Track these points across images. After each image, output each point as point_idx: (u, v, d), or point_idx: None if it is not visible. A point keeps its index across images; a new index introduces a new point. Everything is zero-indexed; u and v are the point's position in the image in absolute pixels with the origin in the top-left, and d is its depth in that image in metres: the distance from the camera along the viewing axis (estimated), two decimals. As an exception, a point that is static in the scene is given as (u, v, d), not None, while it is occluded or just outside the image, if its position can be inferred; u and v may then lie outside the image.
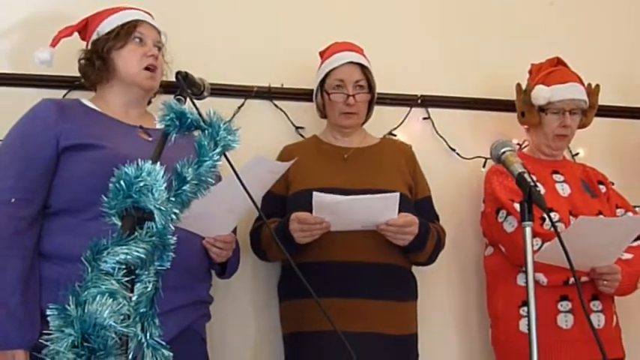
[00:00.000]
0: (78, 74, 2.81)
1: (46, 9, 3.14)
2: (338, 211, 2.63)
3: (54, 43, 2.75)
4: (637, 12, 3.80)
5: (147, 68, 2.61)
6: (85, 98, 2.66)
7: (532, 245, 2.14)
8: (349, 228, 2.72)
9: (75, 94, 2.95)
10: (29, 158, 2.36)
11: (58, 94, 2.95)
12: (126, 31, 2.63)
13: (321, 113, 3.14)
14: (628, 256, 2.97)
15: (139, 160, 1.50)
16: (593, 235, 2.71)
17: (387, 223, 2.69)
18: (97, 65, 2.63)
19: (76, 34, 2.77)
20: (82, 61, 2.70)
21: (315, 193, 2.61)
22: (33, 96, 2.68)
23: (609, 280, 2.88)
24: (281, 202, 2.91)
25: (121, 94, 2.64)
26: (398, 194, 2.64)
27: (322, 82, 3.05)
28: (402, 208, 2.70)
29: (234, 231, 2.68)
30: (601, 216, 3.03)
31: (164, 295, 1.53)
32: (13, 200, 2.30)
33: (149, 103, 2.79)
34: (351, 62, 3.00)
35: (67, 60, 2.77)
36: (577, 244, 2.60)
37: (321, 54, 3.12)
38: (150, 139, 2.54)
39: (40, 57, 2.75)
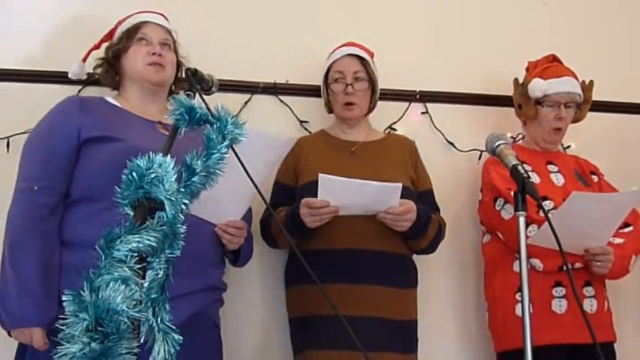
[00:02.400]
0: (92, 72, 2.82)
1: (64, 12, 3.15)
2: (342, 193, 2.64)
3: (84, 58, 2.85)
4: (626, 11, 3.79)
5: (151, 64, 2.62)
6: (105, 95, 2.68)
7: (526, 233, 2.15)
8: (351, 212, 2.73)
9: (89, 90, 2.99)
10: (52, 149, 2.40)
11: (73, 89, 2.98)
12: (129, 35, 2.66)
13: (328, 109, 3.16)
14: (619, 240, 2.98)
15: (151, 152, 1.50)
16: (587, 212, 2.72)
17: (386, 211, 2.70)
18: (106, 69, 2.70)
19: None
20: (97, 70, 2.76)
21: (320, 175, 2.61)
22: (50, 91, 2.70)
23: (602, 261, 2.88)
24: (290, 193, 2.93)
25: (135, 91, 2.66)
26: (400, 185, 2.65)
27: (326, 77, 3.08)
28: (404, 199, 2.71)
29: (250, 222, 2.70)
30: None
31: (177, 280, 1.54)
32: (36, 188, 2.34)
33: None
34: (350, 55, 3.02)
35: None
36: (571, 222, 2.63)
37: (329, 55, 3.14)
38: (167, 133, 2.54)
39: (73, 71, 2.90)
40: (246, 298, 3.14)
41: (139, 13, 2.73)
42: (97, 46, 2.79)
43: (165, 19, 2.78)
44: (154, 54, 2.62)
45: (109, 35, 2.77)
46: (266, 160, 2.51)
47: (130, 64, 2.63)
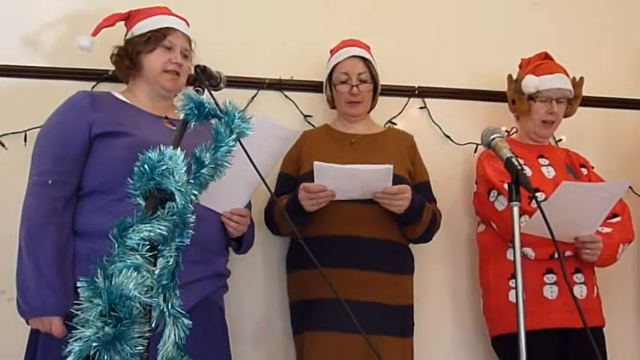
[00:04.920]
0: (106, 68, 2.81)
1: (79, 8, 3.15)
2: (336, 178, 2.65)
3: (95, 32, 2.72)
4: (614, 10, 3.78)
5: (168, 71, 2.60)
6: (116, 91, 2.66)
7: (519, 223, 2.15)
8: (349, 196, 2.73)
9: (102, 86, 2.97)
10: (65, 144, 2.38)
11: (87, 85, 2.97)
12: (156, 38, 2.61)
13: (330, 104, 3.16)
14: (607, 230, 2.98)
15: (162, 146, 1.50)
16: (576, 201, 2.71)
17: (383, 192, 2.70)
18: (126, 64, 2.64)
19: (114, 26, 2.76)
20: (114, 57, 2.70)
21: (315, 162, 2.63)
22: (66, 87, 2.69)
23: (591, 249, 2.88)
24: (293, 183, 2.93)
25: (146, 90, 2.64)
26: (391, 166, 2.66)
27: (330, 75, 3.07)
28: None
29: (250, 211, 2.69)
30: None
31: (185, 268, 1.54)
32: (50, 182, 2.33)
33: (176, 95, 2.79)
34: (354, 56, 3.02)
35: (96, 55, 2.77)
36: (561, 212, 2.62)
37: (331, 51, 3.13)
38: (174, 128, 2.54)
39: (81, 43, 2.72)
40: (250, 283, 3.15)
41: (165, 14, 2.69)
42: (111, 23, 2.73)
43: (187, 24, 2.74)
44: (175, 63, 2.60)
45: (128, 15, 2.71)
46: (271, 148, 2.50)
47: (150, 66, 2.60)
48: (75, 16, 3.13)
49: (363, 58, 3.03)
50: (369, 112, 3.12)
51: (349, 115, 3.06)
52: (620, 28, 3.77)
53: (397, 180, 2.73)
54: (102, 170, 2.37)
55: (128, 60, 2.64)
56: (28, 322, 2.31)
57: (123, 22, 2.74)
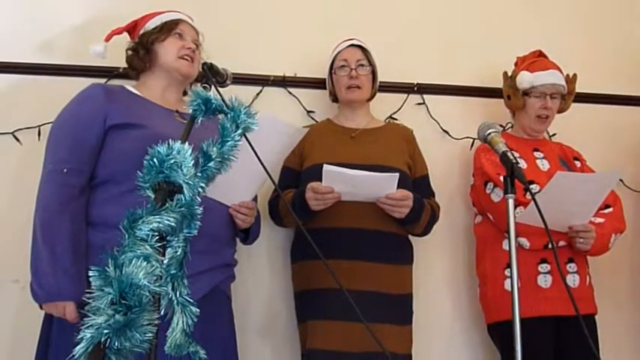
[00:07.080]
0: (116, 66, 2.82)
1: (93, 10, 3.16)
2: (344, 181, 2.64)
3: (108, 39, 2.74)
4: (608, 11, 3.78)
5: (183, 57, 2.62)
6: (128, 85, 2.66)
7: (514, 214, 2.15)
8: (354, 199, 2.73)
9: (113, 83, 2.96)
10: (80, 134, 2.38)
11: (99, 82, 2.95)
12: (168, 27, 2.65)
13: (333, 97, 3.16)
14: (600, 220, 2.98)
15: (171, 139, 1.50)
16: (570, 191, 2.71)
17: (387, 196, 2.69)
18: (141, 54, 2.65)
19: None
20: (129, 52, 2.71)
21: (325, 165, 2.62)
22: (78, 84, 2.68)
23: (585, 238, 2.88)
24: (296, 176, 2.94)
25: (161, 79, 2.65)
26: (398, 175, 2.66)
27: (331, 68, 3.09)
28: (400, 184, 2.71)
29: (256, 203, 2.69)
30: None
31: (194, 259, 1.54)
32: (65, 170, 2.32)
33: (185, 94, 2.79)
34: (353, 45, 3.06)
35: (107, 53, 2.78)
36: (555, 202, 2.62)
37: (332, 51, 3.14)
38: (184, 121, 2.54)
39: (95, 49, 2.76)
40: (256, 272, 3.15)
41: (173, 11, 2.73)
42: (120, 32, 2.74)
43: (192, 20, 2.78)
44: (188, 48, 2.63)
45: (134, 24, 2.73)
46: (278, 145, 2.50)
47: (165, 53, 2.62)
48: (87, 17, 3.14)
49: (362, 47, 3.06)
50: (368, 101, 3.12)
51: (350, 101, 3.05)
52: (617, 26, 3.77)
53: (397, 173, 2.71)
54: (115, 161, 2.37)
55: (144, 50, 2.65)
56: (41, 307, 2.30)
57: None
